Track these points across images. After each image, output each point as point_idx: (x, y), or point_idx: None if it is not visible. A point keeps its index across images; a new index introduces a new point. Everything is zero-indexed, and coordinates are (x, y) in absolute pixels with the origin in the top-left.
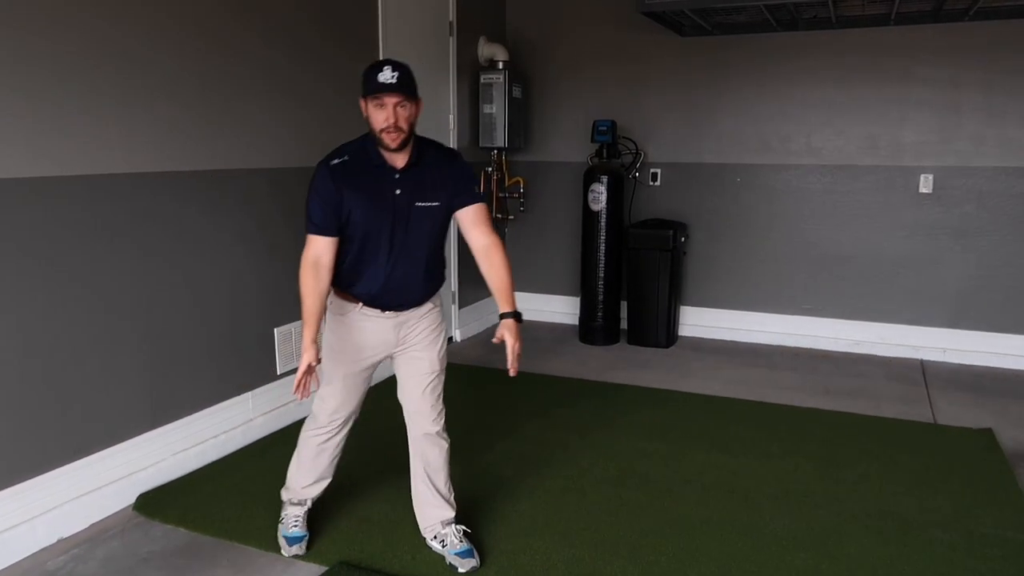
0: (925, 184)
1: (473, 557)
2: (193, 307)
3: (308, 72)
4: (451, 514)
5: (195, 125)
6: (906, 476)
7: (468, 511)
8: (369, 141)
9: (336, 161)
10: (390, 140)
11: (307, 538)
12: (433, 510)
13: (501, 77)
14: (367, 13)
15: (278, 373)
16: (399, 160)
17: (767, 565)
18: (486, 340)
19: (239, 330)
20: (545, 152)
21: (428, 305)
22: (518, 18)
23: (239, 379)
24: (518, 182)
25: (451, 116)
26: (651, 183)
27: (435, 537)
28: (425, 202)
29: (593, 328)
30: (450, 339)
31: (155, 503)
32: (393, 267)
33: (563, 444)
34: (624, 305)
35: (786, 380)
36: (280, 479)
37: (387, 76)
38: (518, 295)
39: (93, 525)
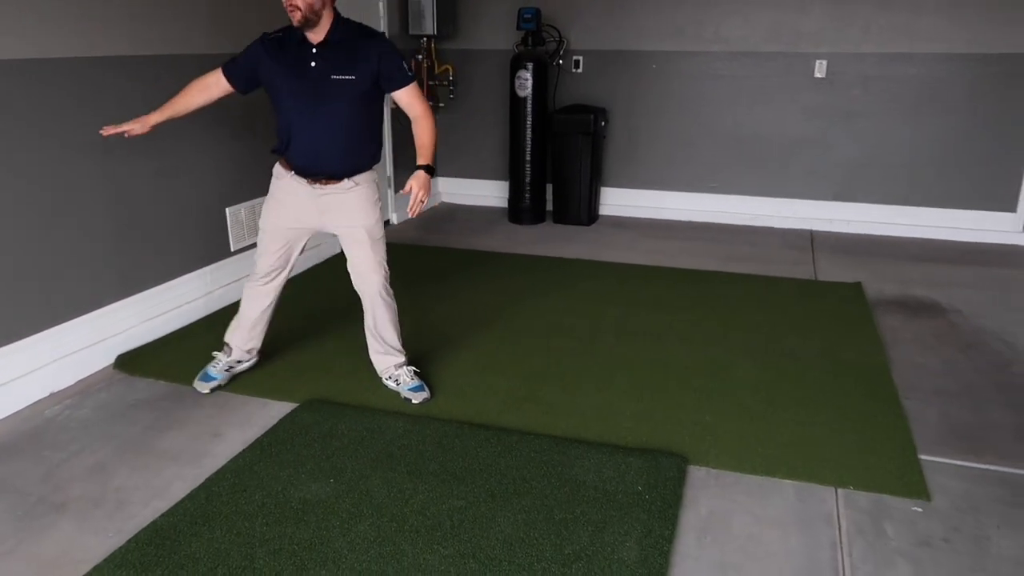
0: (819, 69)
1: (424, 391)
2: (154, 190)
3: None
4: (402, 359)
5: (154, 10)
6: (788, 320)
7: (418, 362)
8: (292, 25)
9: (271, 35)
10: (296, 18)
11: (216, 382)
12: (385, 357)
13: None
14: None
15: (231, 250)
16: (315, 36)
17: (671, 386)
18: (422, 222)
19: (194, 210)
20: (473, 40)
21: (349, 183)
22: None
23: (197, 254)
24: (447, 69)
25: (380, 3)
26: (574, 70)
27: (390, 378)
28: (340, 75)
29: (521, 209)
30: (387, 222)
31: (133, 362)
32: (311, 132)
33: (498, 306)
34: (549, 188)
35: (694, 249)
36: (271, 349)
37: None
38: (451, 180)
39: (80, 381)
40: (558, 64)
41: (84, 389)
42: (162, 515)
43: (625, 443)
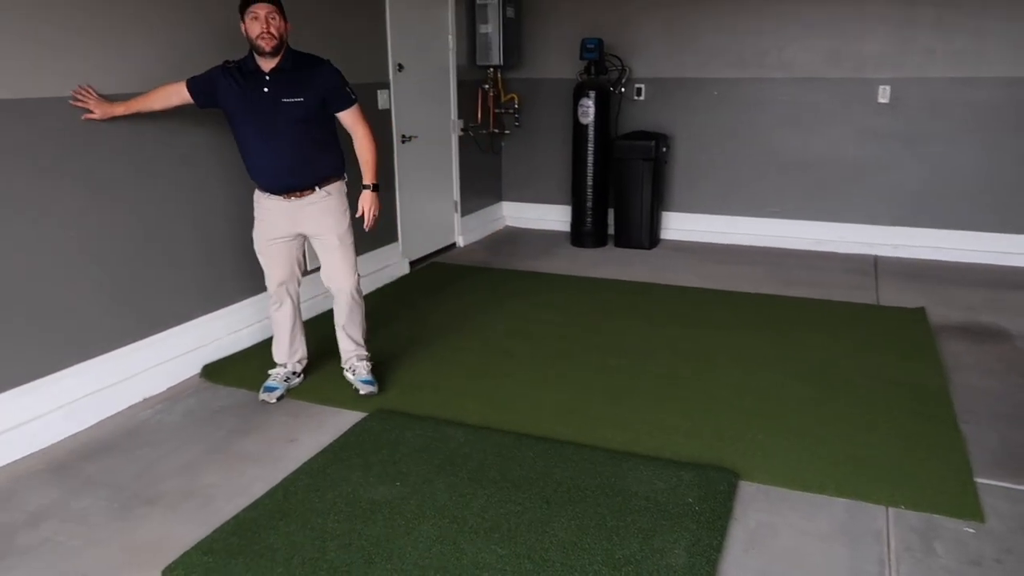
0: (883, 94)
1: (373, 385)
2: (237, 213)
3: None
4: (364, 353)
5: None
6: (844, 343)
7: (477, 375)
8: (249, 53)
9: (230, 62)
10: (264, 44)
11: (279, 391)
12: (350, 351)
13: None
14: None
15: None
16: (268, 65)
17: (723, 405)
18: (487, 244)
19: None
20: (537, 69)
21: (322, 193)
22: None
23: None
24: (513, 98)
25: (450, 36)
26: (636, 97)
27: (349, 368)
28: (290, 98)
29: (583, 232)
30: (453, 244)
31: (218, 371)
32: (269, 151)
33: (556, 326)
34: (611, 212)
35: (753, 274)
36: (318, 360)
37: None
38: (514, 204)
39: (170, 388)
40: (620, 92)
41: (174, 395)
42: (244, 510)
43: (676, 457)
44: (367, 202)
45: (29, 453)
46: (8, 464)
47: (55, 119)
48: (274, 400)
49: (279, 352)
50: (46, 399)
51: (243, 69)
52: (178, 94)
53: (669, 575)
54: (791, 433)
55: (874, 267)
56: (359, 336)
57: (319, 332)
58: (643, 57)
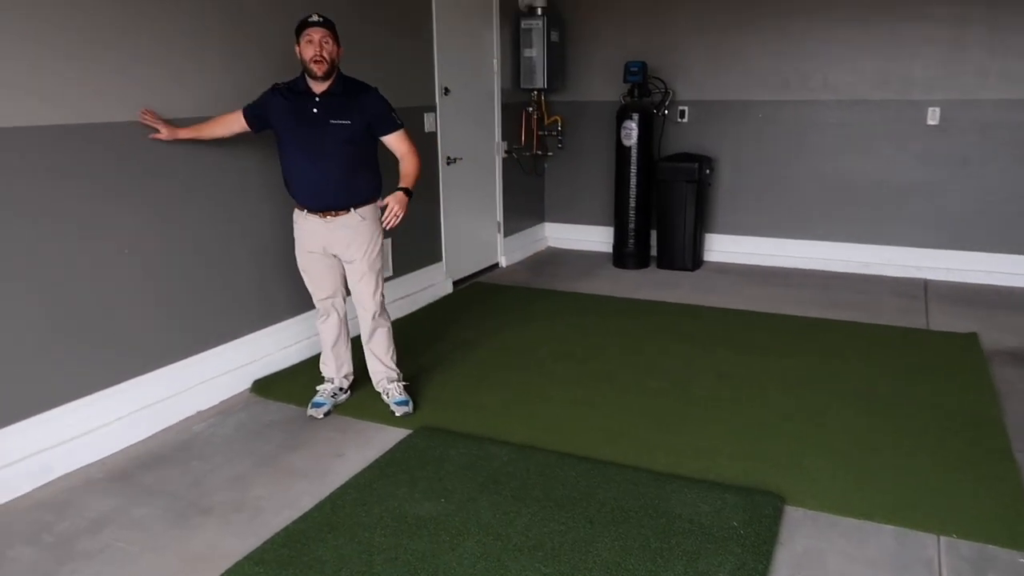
0: (932, 117)
1: (408, 405)
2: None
3: (375, 24)
4: (394, 375)
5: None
6: (893, 368)
7: (520, 394)
8: (301, 74)
9: (281, 83)
10: (317, 68)
11: (326, 407)
12: (379, 370)
13: (540, 23)
14: None
15: None
16: (319, 88)
17: (768, 429)
18: (530, 265)
19: None
20: (581, 92)
21: (357, 217)
22: None
23: None
24: (556, 121)
25: (495, 60)
26: (679, 120)
27: (381, 391)
28: (338, 120)
29: (625, 254)
30: (496, 265)
31: (267, 386)
32: (314, 170)
33: (597, 347)
34: (654, 233)
35: (799, 296)
36: (363, 378)
37: (314, 18)
38: (557, 226)
39: (222, 402)
40: (663, 114)
41: (225, 409)
42: (293, 522)
43: (721, 480)
44: (396, 199)
45: (89, 463)
46: (70, 472)
47: (117, 143)
48: (321, 416)
49: (327, 366)
50: (106, 411)
51: (294, 89)
52: (237, 122)
53: None
54: (839, 458)
55: (924, 291)
56: (387, 358)
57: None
58: (687, 79)
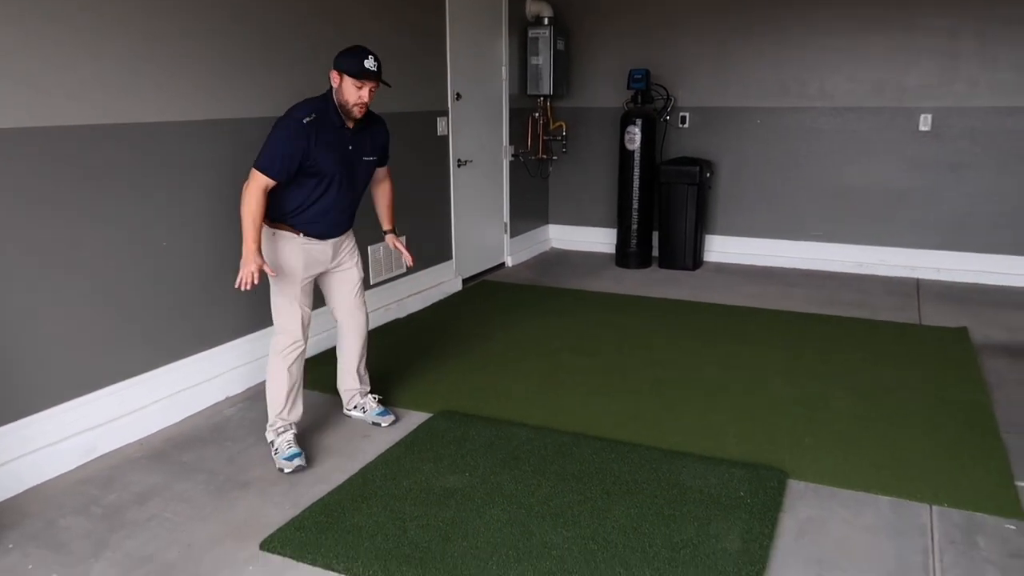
0: (924, 123)
1: (390, 413)
2: None
3: (393, 32)
4: (367, 388)
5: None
6: (888, 360)
7: (535, 385)
8: (331, 103)
9: (308, 119)
10: (358, 112)
11: (303, 453)
12: (355, 388)
13: (547, 32)
14: None
15: (371, 283)
16: (352, 122)
17: (770, 413)
18: (534, 265)
19: None
20: (585, 98)
21: (350, 232)
22: None
23: None
24: (561, 126)
25: (504, 68)
26: (680, 125)
27: (355, 407)
28: (368, 156)
29: (627, 254)
30: (502, 264)
31: None
32: (340, 205)
33: (606, 338)
34: (656, 235)
35: (796, 295)
36: (383, 367)
37: (371, 64)
38: (560, 227)
39: (249, 388)
40: (666, 120)
41: (253, 395)
42: (327, 494)
43: (728, 457)
44: (398, 240)
45: (129, 442)
46: (112, 451)
47: (168, 141)
48: (305, 463)
49: (289, 409)
50: (143, 394)
51: (325, 123)
52: (267, 190)
53: (725, 558)
54: (838, 438)
55: (916, 290)
56: (363, 370)
57: (380, 343)
58: (688, 86)
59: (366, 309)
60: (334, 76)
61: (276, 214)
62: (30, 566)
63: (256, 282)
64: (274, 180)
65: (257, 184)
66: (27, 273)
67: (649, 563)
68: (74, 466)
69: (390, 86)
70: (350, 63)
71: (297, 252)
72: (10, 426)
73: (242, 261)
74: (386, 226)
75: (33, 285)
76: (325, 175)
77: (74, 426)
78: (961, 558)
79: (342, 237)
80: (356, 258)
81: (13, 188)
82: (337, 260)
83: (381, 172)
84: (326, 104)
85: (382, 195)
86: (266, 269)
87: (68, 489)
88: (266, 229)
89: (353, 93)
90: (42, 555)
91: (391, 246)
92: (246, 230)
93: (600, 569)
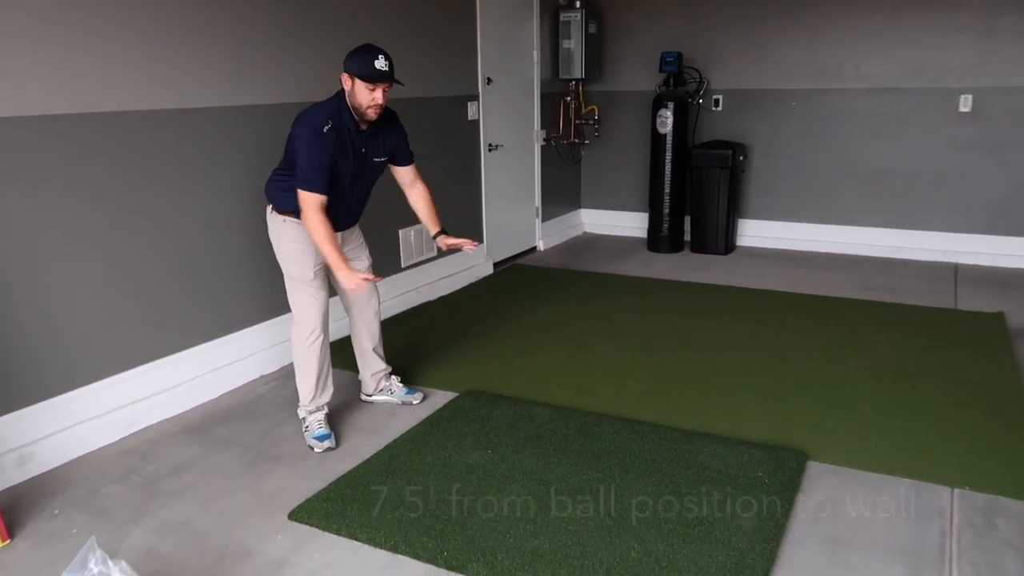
0: (965, 104)
1: (418, 391)
2: None
3: (423, 18)
4: (389, 369)
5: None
6: (918, 344)
7: (560, 364)
8: (343, 106)
9: (327, 127)
10: (373, 114)
11: (333, 435)
12: (381, 370)
13: (579, 15)
14: None
15: (402, 266)
16: (366, 124)
17: (794, 396)
18: (566, 249)
19: (375, 231)
20: (617, 82)
21: (356, 224)
22: None
23: (377, 267)
24: (593, 110)
25: (535, 52)
26: (713, 108)
27: (382, 390)
28: (378, 157)
29: (659, 238)
30: (533, 248)
31: None
32: (351, 202)
33: (634, 321)
34: (688, 219)
35: (828, 279)
36: (412, 347)
37: (383, 65)
38: (592, 212)
39: (282, 367)
40: (698, 103)
41: (286, 374)
42: (354, 468)
43: (748, 439)
44: (452, 237)
45: (167, 417)
46: (150, 426)
47: (212, 125)
48: (335, 444)
49: (319, 392)
50: (182, 371)
51: (340, 128)
52: (322, 206)
53: (739, 535)
54: (861, 421)
55: (954, 275)
56: (383, 351)
57: (409, 324)
58: (721, 69)
59: (378, 294)
60: (345, 79)
61: (291, 205)
62: (74, 530)
63: (373, 279)
64: (324, 194)
65: (310, 206)
66: (74, 256)
67: (663, 539)
68: (116, 439)
69: (403, 84)
70: (360, 66)
71: (306, 237)
72: (56, 399)
73: (343, 283)
74: (434, 230)
75: (77, 270)
76: (340, 178)
77: (116, 401)
78: (980, 540)
79: (349, 231)
80: (365, 250)
81: (63, 176)
82: (345, 251)
83: (408, 174)
84: (339, 108)
85: (418, 199)
86: (368, 277)
87: (110, 460)
88: (276, 216)
89: (366, 96)
90: (85, 520)
91: (444, 247)
92: (328, 253)
93: (614, 544)
